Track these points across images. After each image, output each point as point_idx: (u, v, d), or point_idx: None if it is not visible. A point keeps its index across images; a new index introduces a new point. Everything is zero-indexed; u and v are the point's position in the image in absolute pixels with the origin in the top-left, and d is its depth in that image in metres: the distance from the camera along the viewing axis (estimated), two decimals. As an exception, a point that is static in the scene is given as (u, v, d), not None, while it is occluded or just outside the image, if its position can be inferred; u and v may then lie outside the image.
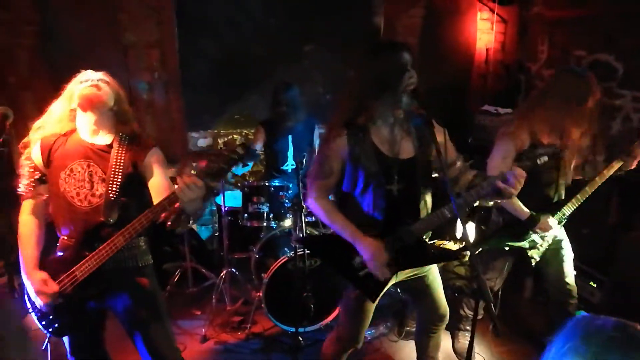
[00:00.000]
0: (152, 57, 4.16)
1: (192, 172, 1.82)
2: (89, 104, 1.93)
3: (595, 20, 3.87)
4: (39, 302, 1.91)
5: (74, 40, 3.79)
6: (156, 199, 1.93)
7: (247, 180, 4.16)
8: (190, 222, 1.94)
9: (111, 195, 1.94)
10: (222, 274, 3.51)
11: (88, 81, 1.95)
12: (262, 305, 3.17)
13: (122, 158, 1.99)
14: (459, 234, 4.66)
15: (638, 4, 3.52)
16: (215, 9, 4.38)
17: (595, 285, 3.26)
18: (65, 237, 2.01)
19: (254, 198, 3.44)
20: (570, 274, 2.74)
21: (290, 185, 3.48)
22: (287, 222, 3.46)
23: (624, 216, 3.28)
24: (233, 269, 3.57)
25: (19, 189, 2.04)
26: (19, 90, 3.76)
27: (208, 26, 4.36)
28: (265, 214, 3.43)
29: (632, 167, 2.60)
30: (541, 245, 2.61)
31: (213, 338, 3.27)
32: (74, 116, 2.01)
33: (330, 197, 2.18)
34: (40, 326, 2.00)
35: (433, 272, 2.28)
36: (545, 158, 1.92)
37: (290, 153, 3.78)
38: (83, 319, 2.04)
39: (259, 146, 3.79)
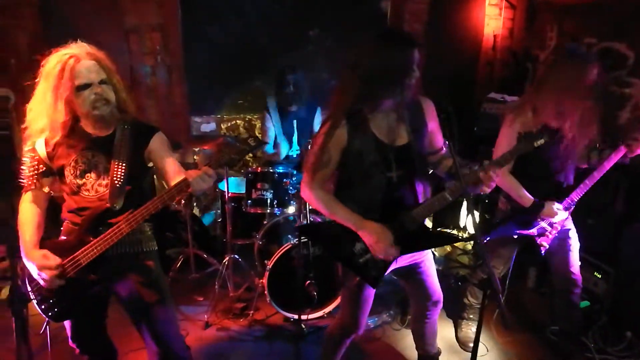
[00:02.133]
0: (154, 41, 4.10)
1: (196, 157, 1.81)
2: (93, 116, 1.93)
3: (605, 7, 3.80)
4: (43, 277, 1.89)
5: (75, 23, 3.74)
6: (167, 182, 1.96)
7: (250, 167, 4.13)
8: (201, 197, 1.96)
9: (116, 182, 1.94)
10: (225, 260, 3.50)
11: (90, 87, 1.88)
12: (265, 292, 3.16)
13: (125, 146, 1.98)
14: (462, 223, 4.65)
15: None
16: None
17: (599, 276, 3.24)
18: (70, 222, 2.01)
19: (258, 184, 3.40)
20: (575, 263, 2.72)
21: (294, 172, 3.45)
22: (291, 209, 3.43)
23: (630, 207, 3.25)
24: (236, 256, 3.56)
25: (21, 180, 2.02)
26: (20, 72, 3.72)
27: (212, 10, 4.29)
28: (269, 201, 3.40)
29: (636, 154, 2.56)
30: (550, 232, 2.59)
31: (215, 324, 3.26)
32: (67, 98, 1.91)
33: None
34: (40, 310, 1.99)
35: (428, 257, 2.29)
36: (542, 140, 1.92)
37: (295, 138, 3.75)
38: (85, 304, 2.03)
39: (270, 134, 3.74)
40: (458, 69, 4.72)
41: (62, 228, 2.06)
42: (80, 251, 1.90)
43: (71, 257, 1.91)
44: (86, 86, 1.88)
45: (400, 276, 2.35)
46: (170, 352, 2.10)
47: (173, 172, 1.99)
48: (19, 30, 3.72)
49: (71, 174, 1.98)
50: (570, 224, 2.68)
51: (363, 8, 4.70)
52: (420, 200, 2.09)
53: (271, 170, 3.42)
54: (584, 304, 3.18)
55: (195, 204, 4.48)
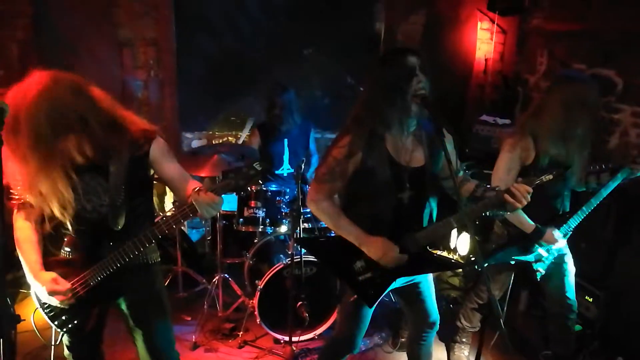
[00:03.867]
0: (147, 55, 4.07)
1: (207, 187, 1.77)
2: None
3: (595, 34, 3.88)
4: (54, 302, 1.87)
5: (67, 35, 3.70)
6: (173, 190, 1.97)
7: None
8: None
9: (117, 202, 1.88)
10: (214, 279, 3.43)
11: None
12: (255, 312, 3.09)
13: (123, 162, 1.89)
14: (452, 244, 4.64)
15: (637, 19, 3.53)
16: (215, 8, 4.31)
17: (591, 300, 3.24)
18: (74, 234, 1.92)
19: (250, 202, 3.36)
20: (571, 288, 2.72)
21: (288, 190, 3.41)
22: (283, 228, 3.39)
23: (622, 230, 3.27)
24: (226, 275, 3.49)
25: (13, 199, 1.94)
26: (10, 83, 3.65)
27: (207, 26, 4.29)
28: (261, 219, 3.36)
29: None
30: (547, 259, 2.59)
31: (204, 345, 3.18)
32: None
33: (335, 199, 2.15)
34: (54, 325, 1.96)
35: (428, 279, 2.27)
36: (550, 177, 1.92)
37: (286, 157, 3.72)
38: (88, 317, 1.99)
39: (255, 145, 3.72)
40: (450, 90, 4.76)
41: (64, 239, 1.96)
42: (88, 272, 1.87)
43: (79, 277, 1.87)
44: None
45: (399, 296, 2.33)
46: None
47: (178, 180, 1.95)
48: (10, 41, 3.66)
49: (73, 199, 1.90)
50: (566, 249, 2.68)
51: (357, 28, 4.74)
52: (425, 224, 2.08)
53: (264, 189, 3.38)
54: (577, 328, 3.18)
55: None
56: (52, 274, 1.86)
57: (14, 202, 1.95)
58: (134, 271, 1.99)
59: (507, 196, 1.84)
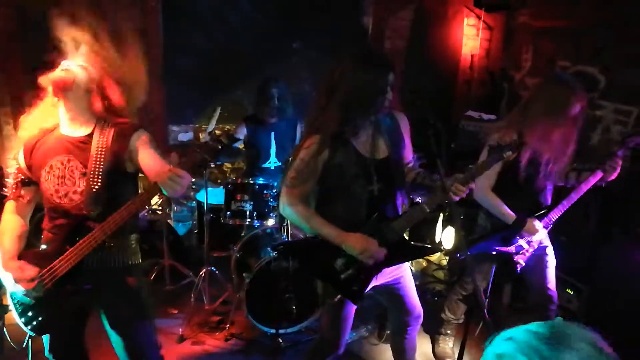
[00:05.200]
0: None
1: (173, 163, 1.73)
2: (56, 87, 1.82)
3: (580, 32, 3.94)
4: (20, 290, 1.83)
5: (51, 25, 3.63)
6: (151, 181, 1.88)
7: (229, 177, 4.08)
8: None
9: (93, 188, 1.85)
10: (201, 273, 3.42)
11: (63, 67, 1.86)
12: (243, 305, 3.10)
13: (104, 148, 1.88)
14: (437, 238, 4.69)
15: (623, 18, 3.60)
16: (203, 1, 4.27)
17: (572, 293, 3.31)
18: (49, 231, 1.93)
19: (237, 196, 3.36)
20: (552, 280, 2.77)
21: (275, 184, 3.42)
22: (271, 222, 3.39)
23: (604, 225, 3.34)
24: (212, 268, 3.49)
25: (4, 189, 1.96)
26: (-7, 75, 3.60)
27: (195, 18, 4.26)
28: (248, 213, 3.35)
29: (611, 179, 2.65)
30: (527, 251, 2.64)
31: (190, 338, 3.18)
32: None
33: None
34: (21, 323, 1.91)
35: (408, 272, 2.30)
36: (509, 152, 1.99)
37: (273, 150, 3.72)
38: (64, 317, 1.95)
39: (240, 135, 3.69)
40: (437, 85, 4.80)
41: (42, 236, 1.98)
42: (57, 261, 1.82)
43: (48, 267, 1.83)
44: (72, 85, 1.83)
45: (380, 293, 2.34)
46: None
47: (156, 170, 1.88)
48: (-9, 31, 3.60)
49: (46, 181, 1.89)
50: (547, 241, 2.74)
51: (345, 23, 4.75)
52: (400, 212, 2.12)
53: (251, 182, 3.38)
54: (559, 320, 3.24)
55: (174, 208, 4.39)
56: (20, 262, 1.84)
57: (5, 193, 1.95)
58: (112, 273, 1.95)
59: (452, 186, 1.93)
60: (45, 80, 1.84)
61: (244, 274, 3.20)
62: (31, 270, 1.82)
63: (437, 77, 4.82)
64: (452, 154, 4.32)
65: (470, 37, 4.92)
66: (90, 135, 1.91)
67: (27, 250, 1.92)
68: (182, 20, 4.24)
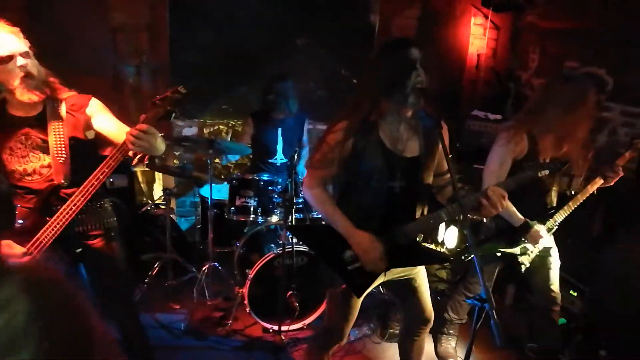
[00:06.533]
0: (141, 41, 4.02)
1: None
2: (30, 101, 1.87)
3: (588, 33, 3.92)
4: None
5: (60, 18, 3.63)
6: (115, 145, 1.93)
7: (234, 173, 4.07)
8: (156, 161, 1.92)
9: (59, 159, 1.92)
10: (204, 268, 3.42)
11: (13, 59, 1.81)
12: (245, 301, 3.09)
13: (59, 120, 1.94)
14: (440, 237, 4.68)
15: (631, 19, 3.57)
16: (211, -4, 4.26)
17: (575, 294, 3.29)
18: (23, 206, 1.96)
19: (242, 191, 3.35)
20: (556, 281, 2.76)
21: (280, 180, 3.41)
22: (275, 218, 3.39)
23: (609, 227, 3.33)
24: (215, 263, 3.48)
25: None
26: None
27: (202, 13, 4.23)
28: (252, 208, 3.35)
29: (612, 184, 2.64)
30: (532, 252, 2.62)
31: (192, 333, 3.18)
32: None
33: (329, 188, 2.15)
34: None
35: (421, 275, 2.27)
36: (546, 172, 1.95)
37: (279, 146, 3.72)
38: None
39: (246, 140, 3.71)
40: (443, 85, 4.78)
41: (16, 213, 2.01)
42: (40, 232, 1.87)
43: (34, 240, 1.87)
44: (9, 58, 1.80)
45: (393, 290, 2.33)
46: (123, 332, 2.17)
47: (116, 131, 2.00)
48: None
49: (10, 164, 1.93)
50: (551, 242, 2.72)
51: (352, 21, 4.73)
52: (417, 216, 2.08)
53: (256, 178, 3.38)
54: (561, 321, 3.23)
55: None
56: (7, 241, 1.88)
57: None
58: (90, 237, 2.06)
59: (482, 199, 1.87)
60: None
61: (246, 270, 3.19)
62: (20, 248, 1.87)
63: (443, 76, 4.80)
64: (457, 154, 4.31)
65: (477, 36, 4.90)
66: (43, 112, 1.95)
67: (5, 231, 1.95)
68: (189, 16, 4.23)
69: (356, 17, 4.74)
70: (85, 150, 2.02)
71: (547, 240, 2.62)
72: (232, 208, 3.37)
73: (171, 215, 3.93)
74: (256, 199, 3.34)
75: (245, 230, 3.50)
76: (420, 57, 1.91)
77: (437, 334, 3.19)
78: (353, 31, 4.69)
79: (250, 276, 3.08)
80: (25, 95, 1.86)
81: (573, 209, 2.65)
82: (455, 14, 4.80)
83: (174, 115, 1.80)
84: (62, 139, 1.92)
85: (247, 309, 3.11)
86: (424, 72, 1.90)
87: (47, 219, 1.87)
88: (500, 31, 4.84)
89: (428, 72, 1.93)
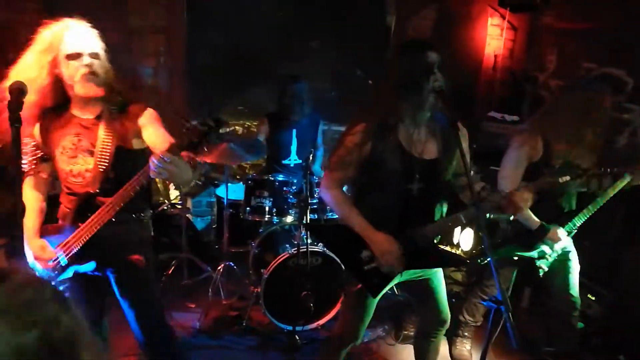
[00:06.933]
0: (157, 43, 4.07)
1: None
2: (86, 95, 1.88)
3: (606, 33, 3.86)
4: (38, 268, 1.92)
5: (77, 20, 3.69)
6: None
7: (249, 174, 4.10)
8: (182, 187, 1.92)
9: (100, 168, 1.92)
10: (219, 267, 3.44)
11: (80, 57, 1.84)
12: (260, 301, 3.11)
13: (111, 129, 1.93)
14: (455, 240, 4.65)
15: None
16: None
17: (594, 299, 3.25)
18: (65, 206, 2.01)
19: (257, 192, 3.37)
20: (575, 285, 2.73)
21: (295, 181, 3.42)
22: (289, 219, 3.40)
23: (628, 230, 3.27)
24: (231, 263, 3.51)
25: (22, 165, 2.00)
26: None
27: (218, 16, 4.28)
28: (267, 209, 3.37)
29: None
30: (550, 256, 2.59)
31: (207, 332, 3.20)
32: (52, 65, 1.86)
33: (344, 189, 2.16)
34: None
35: (438, 276, 2.26)
36: (567, 178, 1.94)
37: (293, 147, 3.73)
38: (83, 291, 2.01)
39: (261, 137, 3.73)
40: (459, 86, 4.73)
41: (59, 210, 2.06)
42: (70, 237, 1.90)
43: (63, 243, 1.91)
44: (77, 55, 1.83)
45: (409, 290, 2.32)
46: (152, 343, 2.13)
47: (163, 147, 1.92)
48: (20, 26, 3.66)
49: (60, 162, 1.96)
50: (571, 246, 2.69)
51: (368, 21, 4.72)
52: (436, 218, 2.08)
53: (271, 178, 3.39)
54: (579, 325, 3.18)
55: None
56: (43, 242, 1.94)
57: (24, 169, 1.99)
58: (122, 246, 2.03)
59: (504, 200, 1.86)
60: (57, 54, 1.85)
61: (261, 270, 3.21)
62: (51, 253, 1.91)
63: (460, 76, 4.76)
64: (473, 155, 4.28)
65: (494, 37, 4.85)
66: (100, 116, 1.96)
67: (46, 224, 2.01)
68: (205, 18, 4.27)
69: (372, 17, 4.74)
70: (129, 161, 1.98)
71: (566, 241, 2.59)
72: (247, 208, 3.39)
73: (187, 215, 3.97)
74: (271, 199, 3.36)
75: (260, 230, 3.52)
76: (438, 61, 1.90)
77: (451, 337, 3.17)
78: (368, 32, 4.69)
79: (265, 276, 3.09)
80: (83, 89, 1.87)
81: (592, 212, 2.61)
82: (471, 15, 4.76)
83: (198, 146, 1.74)
84: (109, 147, 1.91)
85: (262, 309, 3.12)
86: (442, 74, 1.89)
87: (79, 224, 1.90)
88: (518, 32, 4.79)
89: (444, 73, 1.92)
